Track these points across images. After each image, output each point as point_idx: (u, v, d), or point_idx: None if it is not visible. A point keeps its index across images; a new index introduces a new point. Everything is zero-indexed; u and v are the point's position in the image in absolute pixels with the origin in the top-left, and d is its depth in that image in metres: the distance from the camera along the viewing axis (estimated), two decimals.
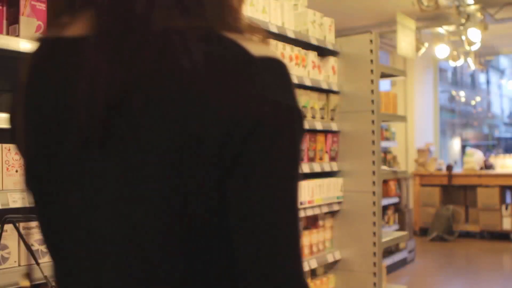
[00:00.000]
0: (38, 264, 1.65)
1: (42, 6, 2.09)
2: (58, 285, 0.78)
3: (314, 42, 3.58)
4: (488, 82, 16.00)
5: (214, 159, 0.64)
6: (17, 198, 1.91)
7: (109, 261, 0.70)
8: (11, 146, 1.96)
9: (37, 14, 2.07)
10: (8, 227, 1.94)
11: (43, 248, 2.04)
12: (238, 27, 0.74)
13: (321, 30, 3.72)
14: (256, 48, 0.70)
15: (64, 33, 0.74)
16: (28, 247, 1.63)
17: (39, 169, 0.75)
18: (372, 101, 3.70)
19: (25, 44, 1.99)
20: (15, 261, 1.96)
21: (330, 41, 3.77)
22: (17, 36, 2.02)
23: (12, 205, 1.89)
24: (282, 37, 3.34)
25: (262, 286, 0.67)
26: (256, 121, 0.65)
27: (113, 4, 0.67)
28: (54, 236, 0.81)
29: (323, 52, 3.76)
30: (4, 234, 1.93)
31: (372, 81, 3.67)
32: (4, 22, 2.05)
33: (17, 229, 1.81)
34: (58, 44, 0.76)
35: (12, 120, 0.82)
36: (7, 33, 2.05)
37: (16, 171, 1.97)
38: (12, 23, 2.05)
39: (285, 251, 0.68)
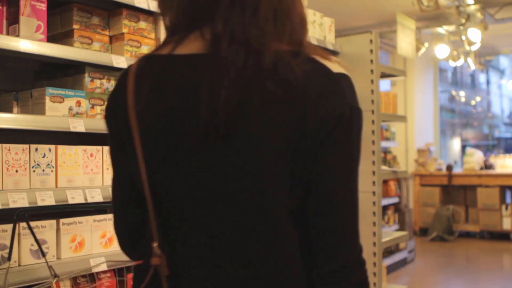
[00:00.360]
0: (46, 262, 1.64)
1: (42, 6, 2.09)
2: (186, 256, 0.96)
3: (314, 42, 3.57)
4: (488, 82, 15.99)
5: (310, 147, 0.90)
6: (17, 198, 1.91)
7: (230, 224, 0.93)
8: (11, 146, 1.96)
9: (37, 14, 2.07)
10: (8, 227, 1.94)
11: (43, 248, 2.04)
12: (314, 49, 0.98)
13: (321, 30, 3.72)
14: (331, 65, 0.95)
15: (177, 51, 0.96)
16: (37, 242, 1.60)
17: (160, 158, 0.95)
18: (372, 101, 3.70)
19: (25, 44, 1.99)
20: (15, 261, 1.96)
21: (330, 41, 3.77)
22: (17, 36, 2.02)
23: (12, 205, 1.89)
24: None
25: (339, 255, 0.91)
26: (339, 118, 0.91)
27: (231, 32, 0.91)
28: (180, 210, 0.96)
29: None
30: (4, 234, 1.93)
31: (372, 81, 3.67)
32: (4, 22, 2.05)
33: (28, 223, 1.78)
34: (174, 59, 0.97)
35: (110, 121, 1.05)
36: (7, 33, 2.05)
37: (16, 171, 1.97)
38: (12, 23, 2.05)
39: (356, 224, 0.94)
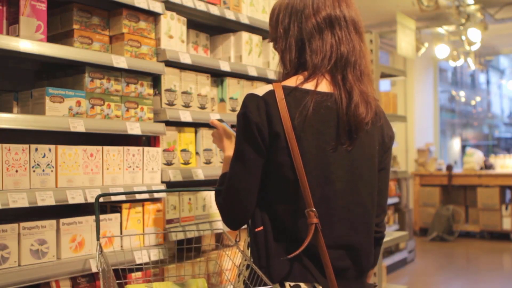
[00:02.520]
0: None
1: (42, 6, 2.09)
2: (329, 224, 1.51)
3: None
4: (488, 82, 15.99)
5: (384, 150, 1.65)
6: (17, 198, 1.91)
7: (359, 204, 1.56)
8: (11, 146, 1.96)
9: (37, 14, 2.07)
10: (8, 227, 1.94)
11: (43, 248, 2.04)
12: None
13: None
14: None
15: (309, 82, 1.55)
16: (98, 221, 1.72)
17: (313, 154, 1.48)
18: None
19: (25, 44, 1.99)
20: (15, 261, 1.96)
21: None
22: (17, 36, 2.02)
23: (12, 205, 1.89)
24: None
25: (384, 213, 1.73)
26: (392, 137, 1.70)
27: (349, 83, 1.56)
28: (322, 199, 1.49)
29: None
30: (4, 234, 1.93)
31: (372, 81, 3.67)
32: (4, 22, 2.05)
33: (98, 209, 1.77)
34: (318, 94, 1.52)
35: (261, 126, 1.48)
36: (7, 33, 2.05)
37: (16, 171, 1.97)
38: (12, 23, 2.05)
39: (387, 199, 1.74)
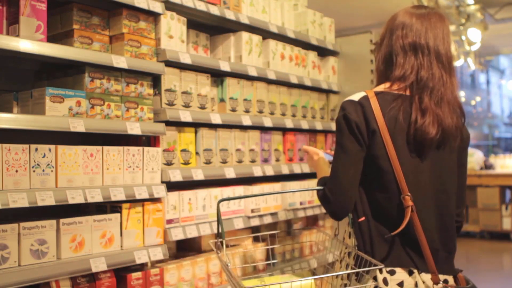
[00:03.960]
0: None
1: (42, 6, 2.09)
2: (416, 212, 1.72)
3: (314, 42, 3.57)
4: (488, 82, 15.99)
5: (462, 149, 1.90)
6: (17, 198, 1.91)
7: (444, 191, 1.80)
8: (11, 146, 1.96)
9: (37, 14, 2.07)
10: (8, 227, 1.94)
11: (43, 248, 2.04)
12: None
13: (321, 30, 3.72)
14: None
15: (394, 91, 1.81)
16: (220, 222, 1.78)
17: (406, 149, 1.75)
18: None
19: (25, 44, 1.99)
20: (15, 261, 1.96)
21: (330, 41, 3.77)
22: (17, 36, 2.02)
23: (12, 205, 1.89)
24: (282, 37, 3.34)
25: (463, 205, 1.94)
26: (468, 137, 1.93)
27: (426, 91, 1.78)
28: (414, 186, 1.74)
29: (323, 52, 3.76)
30: (4, 234, 1.93)
31: (372, 81, 3.67)
32: (4, 22, 2.05)
33: (219, 210, 1.83)
34: (397, 95, 1.79)
35: (360, 125, 1.75)
36: (7, 33, 2.05)
37: (16, 171, 1.97)
38: (12, 23, 2.05)
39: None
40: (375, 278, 1.67)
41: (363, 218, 1.78)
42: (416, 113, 1.74)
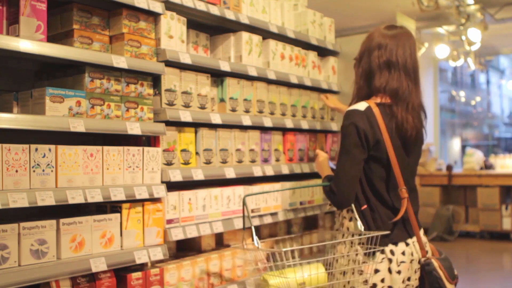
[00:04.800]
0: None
1: (42, 6, 2.09)
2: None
3: (314, 42, 3.57)
4: (488, 82, 15.99)
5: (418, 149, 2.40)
6: (17, 198, 1.91)
7: (411, 173, 2.29)
8: (11, 146, 1.96)
9: (37, 14, 2.07)
10: (8, 227, 1.95)
11: (43, 248, 2.04)
12: None
13: (321, 30, 3.72)
14: None
15: (384, 102, 2.22)
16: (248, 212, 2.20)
17: (397, 150, 2.18)
18: None
19: (25, 44, 1.99)
20: (15, 261, 1.96)
21: (330, 41, 3.77)
22: (17, 36, 2.02)
23: (12, 205, 1.89)
24: (282, 37, 3.34)
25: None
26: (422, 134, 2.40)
27: (405, 104, 2.22)
28: (405, 179, 2.20)
29: (323, 52, 3.76)
30: (4, 234, 1.93)
31: None
32: (4, 22, 2.05)
33: (245, 205, 2.17)
34: (387, 105, 2.20)
35: (368, 131, 2.14)
36: (7, 33, 2.05)
37: (16, 171, 1.97)
38: (12, 23, 2.05)
39: None
40: (382, 252, 2.13)
41: (365, 206, 2.18)
42: (399, 118, 2.17)
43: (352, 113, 2.15)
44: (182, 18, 2.68)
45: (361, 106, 2.16)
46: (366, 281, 2.10)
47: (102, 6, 2.40)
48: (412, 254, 2.20)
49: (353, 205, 2.20)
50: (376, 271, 2.12)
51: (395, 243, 2.16)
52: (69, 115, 2.16)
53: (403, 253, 2.17)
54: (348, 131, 2.14)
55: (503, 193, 8.26)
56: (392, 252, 2.15)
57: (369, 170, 2.18)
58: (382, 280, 2.12)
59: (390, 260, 2.14)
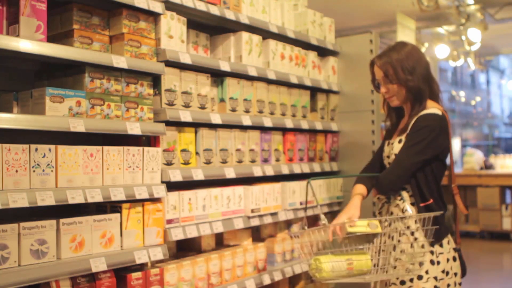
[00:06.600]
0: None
1: (42, 6, 2.09)
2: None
3: (314, 42, 3.57)
4: (488, 82, 15.99)
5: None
6: (17, 198, 1.91)
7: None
8: (11, 146, 1.96)
9: (37, 14, 2.07)
10: (8, 227, 1.94)
11: (43, 248, 2.04)
12: None
13: (321, 30, 3.72)
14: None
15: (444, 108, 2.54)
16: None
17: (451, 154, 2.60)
18: (372, 101, 3.70)
19: (25, 44, 1.99)
20: (15, 261, 1.96)
21: (330, 41, 3.77)
22: (17, 36, 2.02)
23: (12, 205, 1.89)
24: (282, 37, 3.34)
25: None
26: None
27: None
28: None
29: (323, 52, 3.76)
30: (4, 234, 1.93)
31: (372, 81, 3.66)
32: (4, 22, 2.05)
33: (312, 188, 2.49)
34: (446, 112, 2.53)
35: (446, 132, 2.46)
36: (7, 33, 2.05)
37: (16, 171, 1.97)
38: (12, 23, 2.05)
39: None
40: (440, 245, 2.40)
41: (431, 201, 2.45)
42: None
43: (435, 116, 2.39)
44: (182, 18, 2.68)
45: (437, 110, 2.41)
46: (421, 263, 2.34)
47: (102, 6, 2.40)
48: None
49: (404, 194, 2.45)
50: (435, 262, 2.36)
51: (451, 233, 2.53)
52: (69, 115, 2.16)
53: (450, 243, 2.46)
54: (431, 133, 2.37)
55: (503, 193, 8.26)
56: (448, 243, 2.46)
57: (436, 169, 2.47)
58: (427, 272, 2.35)
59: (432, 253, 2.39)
